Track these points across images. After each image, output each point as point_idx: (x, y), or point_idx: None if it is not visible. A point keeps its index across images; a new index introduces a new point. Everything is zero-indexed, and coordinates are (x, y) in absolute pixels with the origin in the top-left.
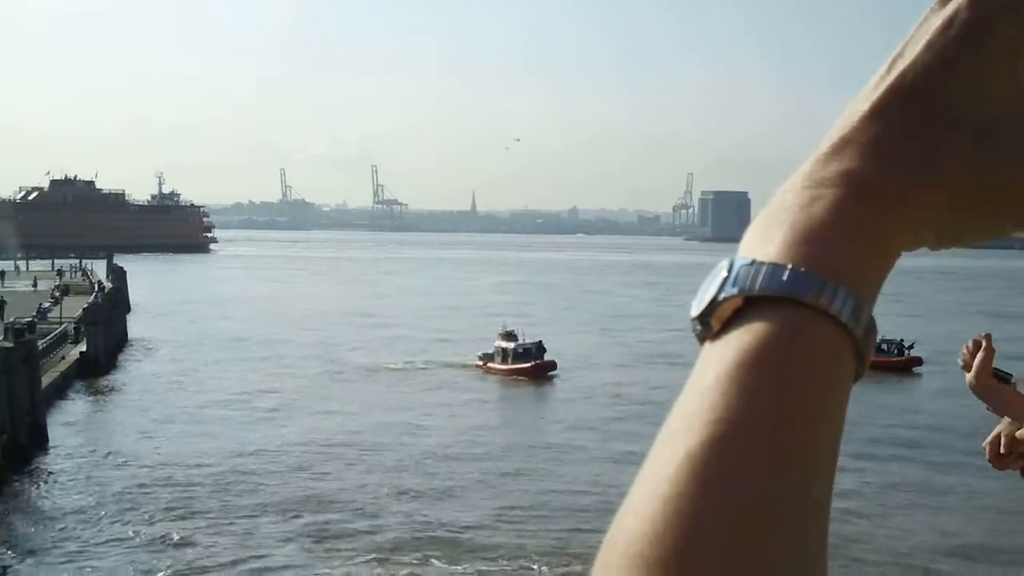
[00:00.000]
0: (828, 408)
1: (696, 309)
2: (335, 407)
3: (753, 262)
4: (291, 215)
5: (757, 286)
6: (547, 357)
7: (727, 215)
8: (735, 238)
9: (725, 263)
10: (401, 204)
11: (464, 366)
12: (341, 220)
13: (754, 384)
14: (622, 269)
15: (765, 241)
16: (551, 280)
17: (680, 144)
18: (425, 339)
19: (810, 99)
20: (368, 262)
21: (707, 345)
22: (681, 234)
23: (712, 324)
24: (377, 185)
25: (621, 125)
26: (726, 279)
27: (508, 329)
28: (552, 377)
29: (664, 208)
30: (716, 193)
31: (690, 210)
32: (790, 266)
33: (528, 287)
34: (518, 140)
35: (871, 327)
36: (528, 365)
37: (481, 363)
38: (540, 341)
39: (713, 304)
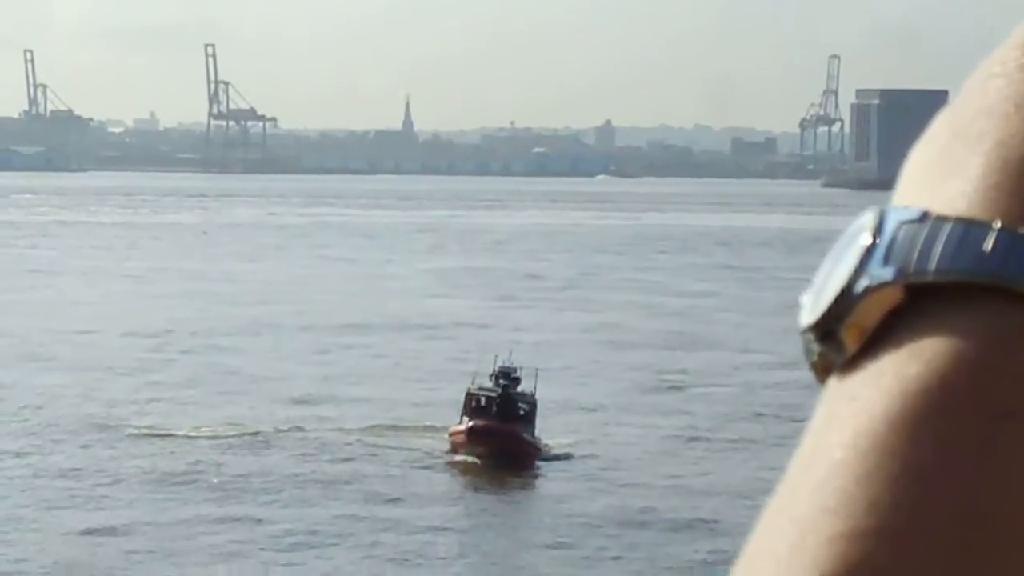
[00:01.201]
0: None
1: (813, 312)
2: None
3: (925, 216)
4: (47, 141)
5: (932, 265)
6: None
7: (909, 137)
8: None
9: (869, 218)
10: (265, 120)
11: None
12: (147, 150)
13: (930, 460)
14: (696, 246)
15: (948, 174)
16: (545, 269)
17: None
18: (287, 394)
19: None
20: (196, 233)
21: (834, 382)
22: (817, 173)
23: (843, 340)
24: (217, 84)
25: None
26: (870, 250)
27: (503, 365)
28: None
29: (784, 125)
30: (884, 93)
31: (835, 127)
32: (998, 223)
33: (505, 286)
34: None
35: None
36: (484, 424)
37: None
38: (513, 369)
39: (845, 301)
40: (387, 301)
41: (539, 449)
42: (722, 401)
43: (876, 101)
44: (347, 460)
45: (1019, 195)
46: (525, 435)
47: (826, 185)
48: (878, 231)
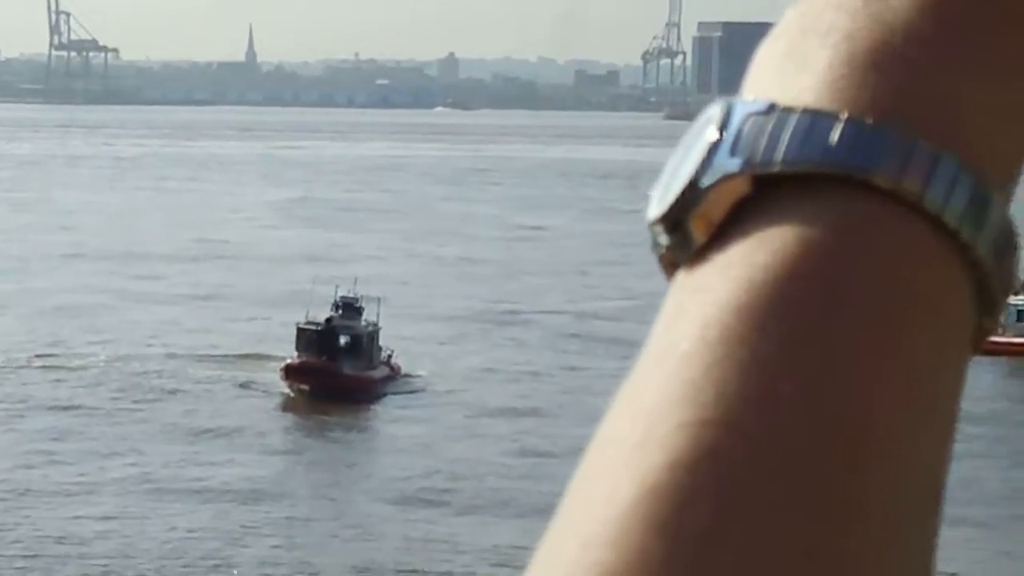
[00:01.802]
0: (922, 396)
1: (660, 204)
2: None
3: (771, 108)
4: None
5: (779, 155)
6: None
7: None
8: None
9: (716, 111)
10: (107, 51)
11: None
12: None
13: (776, 349)
14: (539, 177)
15: (796, 68)
16: (389, 201)
17: None
18: (130, 322)
19: None
20: (32, 163)
21: (682, 275)
22: (660, 106)
23: (691, 231)
24: (58, 15)
25: None
26: (717, 144)
27: (344, 295)
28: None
29: (626, 58)
30: (727, 26)
31: (677, 60)
32: (845, 114)
33: (348, 215)
34: None
35: (1009, 239)
36: (300, 361)
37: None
38: (355, 299)
39: (692, 193)
40: (225, 231)
41: (368, 380)
42: (553, 328)
43: (718, 34)
44: (174, 392)
45: (865, 87)
46: (345, 369)
47: (668, 117)
48: (725, 124)
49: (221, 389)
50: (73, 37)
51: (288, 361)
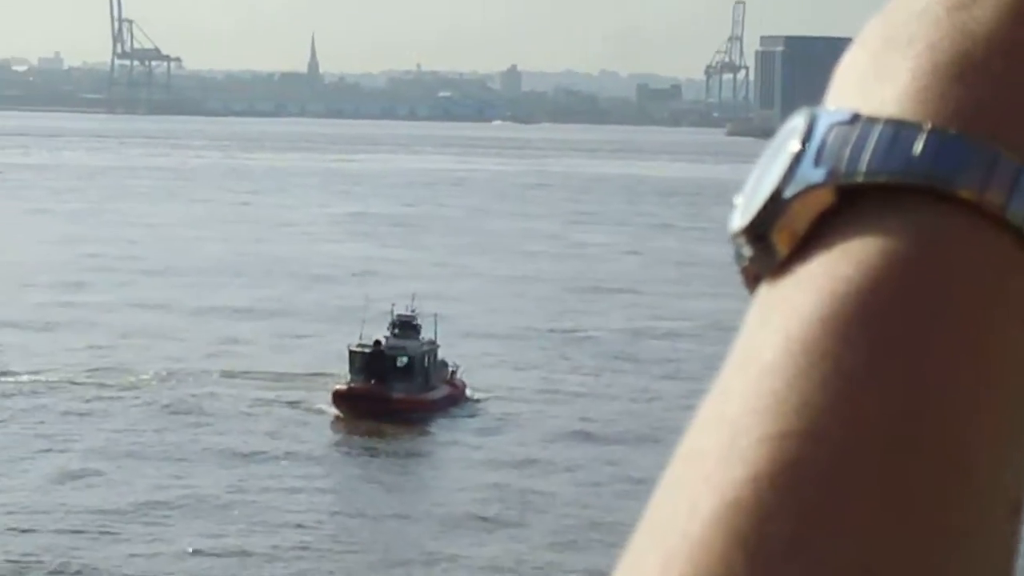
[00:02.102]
0: (1013, 409)
1: (743, 216)
2: None
3: (855, 118)
4: None
5: (863, 166)
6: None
7: (813, 85)
8: None
9: (799, 121)
10: (170, 60)
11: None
12: (51, 89)
13: (862, 362)
14: (600, 193)
15: (879, 78)
16: (446, 215)
17: None
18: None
19: None
20: (89, 174)
21: (765, 288)
22: (722, 121)
23: (774, 243)
24: (121, 23)
25: None
26: (800, 155)
27: (401, 313)
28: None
29: (689, 72)
30: (790, 40)
31: (740, 74)
32: (928, 125)
33: (406, 230)
34: None
35: None
36: (346, 388)
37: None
38: (412, 317)
39: (775, 205)
40: (282, 245)
41: (421, 403)
42: (612, 347)
43: (780, 48)
44: (223, 413)
45: (949, 97)
46: (396, 392)
47: (730, 133)
48: (808, 132)
49: (273, 410)
50: (136, 46)
51: (336, 387)
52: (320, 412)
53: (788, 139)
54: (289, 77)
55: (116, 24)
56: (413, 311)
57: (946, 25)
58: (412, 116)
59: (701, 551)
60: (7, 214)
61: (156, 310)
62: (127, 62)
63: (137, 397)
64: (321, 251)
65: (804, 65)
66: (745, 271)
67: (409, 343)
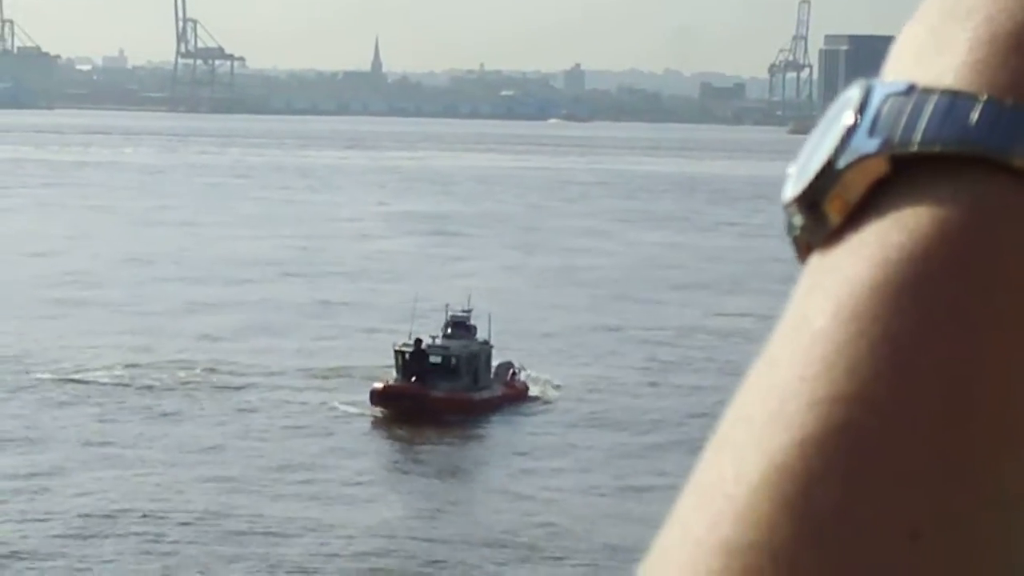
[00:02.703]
0: None
1: (796, 185)
2: None
3: (911, 89)
4: (15, 77)
5: (918, 136)
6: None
7: None
8: None
9: (855, 92)
10: (233, 59)
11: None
12: (114, 89)
13: (912, 328)
14: (660, 192)
15: (936, 49)
16: (501, 214)
17: None
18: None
19: None
20: (148, 173)
21: (816, 257)
22: (786, 120)
23: (827, 212)
24: (185, 22)
25: None
26: (855, 126)
27: (454, 313)
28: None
29: (753, 71)
30: (854, 39)
31: (804, 73)
32: (984, 95)
33: (469, 231)
34: None
35: None
36: (383, 387)
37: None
38: (465, 317)
39: (828, 174)
40: (338, 243)
41: (465, 402)
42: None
43: (845, 47)
44: (272, 408)
45: (1006, 68)
46: (437, 391)
47: (793, 132)
48: (863, 103)
49: (314, 408)
50: (200, 45)
51: (374, 385)
52: (360, 411)
53: (843, 110)
54: (352, 76)
55: (180, 23)
56: (467, 310)
57: None
58: (474, 114)
59: (747, 514)
60: (61, 210)
61: (204, 307)
62: (190, 61)
63: (180, 391)
64: (376, 249)
65: (868, 64)
66: (796, 241)
67: (454, 342)
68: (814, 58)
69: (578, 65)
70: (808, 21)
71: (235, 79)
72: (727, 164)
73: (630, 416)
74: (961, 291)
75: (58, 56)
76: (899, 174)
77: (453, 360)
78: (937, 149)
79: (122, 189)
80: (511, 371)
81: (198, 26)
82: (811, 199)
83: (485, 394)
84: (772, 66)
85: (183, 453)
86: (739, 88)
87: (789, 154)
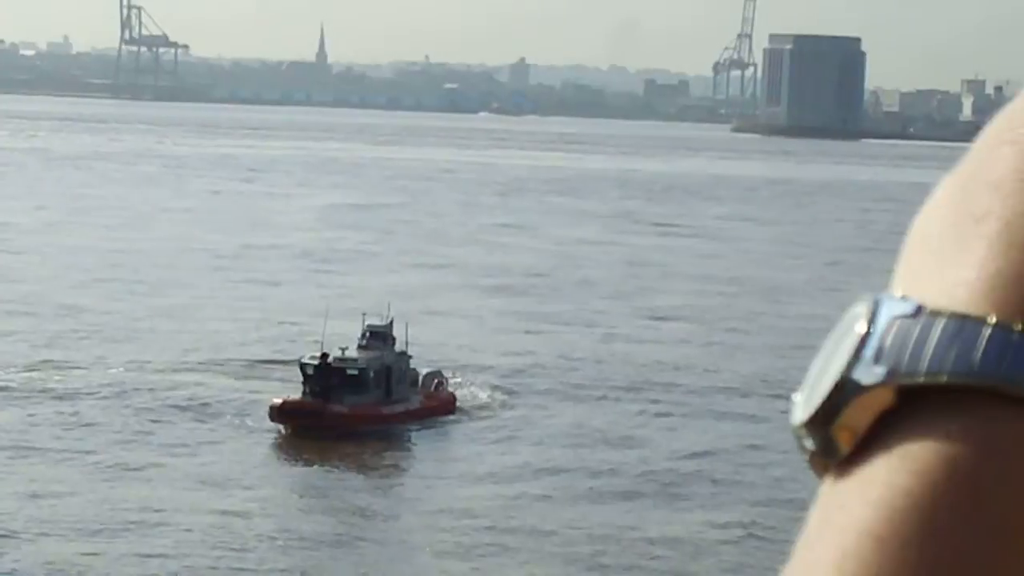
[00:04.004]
0: None
1: (804, 410)
2: None
3: (919, 311)
4: None
5: (923, 366)
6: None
7: (820, 83)
8: (834, 130)
9: (862, 309)
10: (178, 47)
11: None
12: (58, 75)
13: None
14: (600, 189)
15: (947, 257)
16: (443, 207)
17: None
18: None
19: None
20: (79, 158)
21: (828, 484)
22: (729, 118)
23: (837, 440)
24: (129, 9)
25: None
26: (861, 346)
27: (371, 323)
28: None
29: (697, 68)
30: (799, 39)
31: (748, 71)
32: (993, 319)
33: (395, 224)
34: None
35: None
36: (282, 403)
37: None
38: (388, 327)
39: (835, 401)
40: (260, 235)
41: (370, 416)
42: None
43: (789, 46)
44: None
45: (1019, 288)
46: (337, 407)
47: (736, 130)
48: (870, 323)
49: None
50: (144, 32)
51: (273, 400)
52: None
53: (848, 331)
54: (297, 66)
55: (125, 10)
56: (387, 323)
57: (1019, 200)
58: (418, 107)
59: None
60: None
61: (119, 302)
62: (135, 48)
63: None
64: (302, 240)
65: (811, 63)
66: (812, 460)
67: (364, 354)
68: (759, 56)
69: (523, 59)
70: (753, 19)
71: (179, 67)
72: (668, 161)
73: (548, 430)
74: (970, 544)
75: (1, 41)
76: (907, 404)
77: (360, 372)
78: (943, 380)
79: (45, 178)
80: (437, 381)
81: (143, 13)
82: (819, 426)
83: (398, 408)
84: (717, 64)
85: None
86: (683, 85)
87: (732, 151)
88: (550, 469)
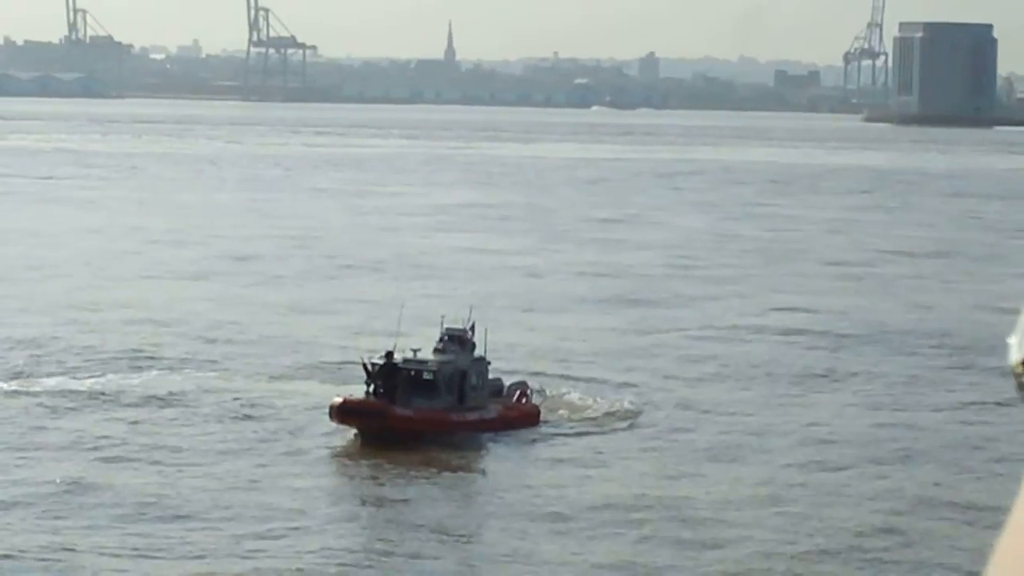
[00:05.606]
0: None
1: (1020, 350)
2: None
3: None
4: (85, 66)
5: None
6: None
7: (951, 71)
8: (966, 118)
9: None
10: (305, 47)
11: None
12: (188, 78)
13: None
14: (734, 181)
15: None
16: (561, 203)
17: None
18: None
19: None
20: (211, 162)
21: None
22: (859, 107)
23: None
24: (257, 11)
25: None
26: None
27: (450, 326)
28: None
29: (827, 58)
30: (929, 26)
31: (878, 61)
32: None
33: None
34: None
35: None
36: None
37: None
38: (467, 330)
39: None
40: (381, 239)
41: (440, 421)
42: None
43: (919, 34)
44: (234, 415)
45: None
46: (402, 409)
47: (867, 119)
48: None
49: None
50: (272, 34)
51: (334, 399)
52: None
53: None
54: (425, 64)
55: (253, 12)
56: (470, 324)
57: None
58: (548, 103)
59: None
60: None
61: (223, 305)
62: (263, 50)
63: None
64: (417, 244)
65: (942, 51)
66: None
67: (435, 357)
68: (889, 45)
69: (652, 53)
70: (883, 8)
71: (307, 68)
72: (802, 152)
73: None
74: None
75: (131, 46)
76: None
77: (433, 376)
78: None
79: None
80: (519, 392)
81: (270, 15)
82: None
83: (471, 415)
84: (847, 53)
85: None
86: (814, 76)
87: (864, 142)
88: (625, 505)
